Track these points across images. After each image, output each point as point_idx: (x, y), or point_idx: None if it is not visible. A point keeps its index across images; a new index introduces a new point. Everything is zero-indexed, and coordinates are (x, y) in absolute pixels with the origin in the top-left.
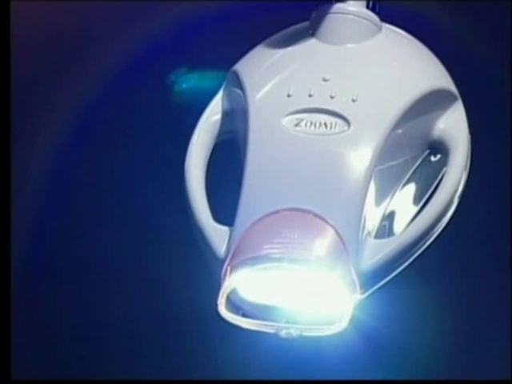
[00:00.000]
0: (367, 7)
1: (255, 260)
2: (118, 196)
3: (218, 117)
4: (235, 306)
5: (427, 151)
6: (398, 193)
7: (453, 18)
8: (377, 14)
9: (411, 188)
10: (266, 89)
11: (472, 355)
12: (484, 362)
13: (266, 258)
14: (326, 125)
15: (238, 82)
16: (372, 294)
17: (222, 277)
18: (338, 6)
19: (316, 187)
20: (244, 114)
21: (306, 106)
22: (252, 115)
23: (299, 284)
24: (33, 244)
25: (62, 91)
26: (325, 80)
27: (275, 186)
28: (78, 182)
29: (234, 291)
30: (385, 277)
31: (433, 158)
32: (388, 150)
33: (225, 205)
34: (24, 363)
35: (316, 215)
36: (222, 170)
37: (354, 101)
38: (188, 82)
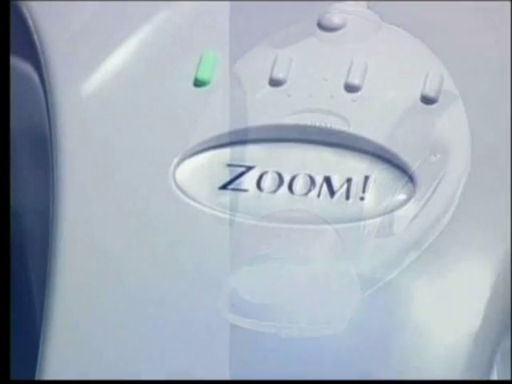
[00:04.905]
0: (367, 7)
1: (255, 260)
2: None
3: None
4: (235, 305)
5: (427, 151)
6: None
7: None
8: (377, 13)
9: (411, 188)
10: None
11: None
12: None
13: (266, 258)
14: (325, 125)
15: None
16: (372, 293)
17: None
18: (338, 5)
19: None
20: None
21: (305, 105)
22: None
23: (299, 284)
24: None
25: None
26: (325, 80)
27: None
28: None
29: (233, 291)
30: (385, 277)
31: (433, 158)
32: None
33: None
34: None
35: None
36: None
37: (354, 101)
38: None
